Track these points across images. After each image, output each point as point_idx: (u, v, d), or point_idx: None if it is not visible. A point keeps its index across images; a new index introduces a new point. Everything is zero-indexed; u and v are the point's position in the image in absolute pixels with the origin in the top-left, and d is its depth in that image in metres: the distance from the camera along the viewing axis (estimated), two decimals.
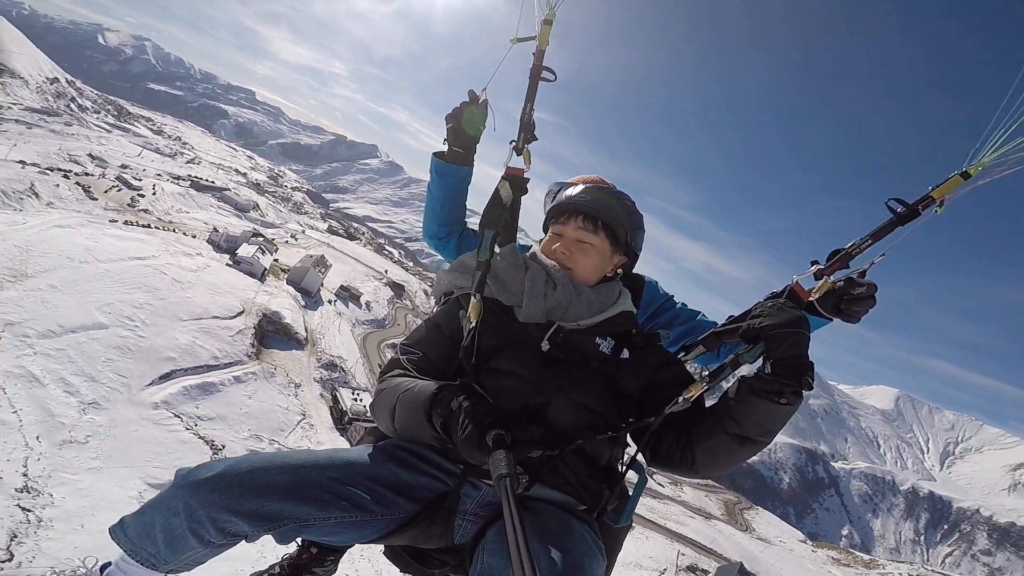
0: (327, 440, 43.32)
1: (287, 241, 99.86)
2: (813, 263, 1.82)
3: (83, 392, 29.80)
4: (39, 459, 23.56)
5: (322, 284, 74.26)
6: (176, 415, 33.39)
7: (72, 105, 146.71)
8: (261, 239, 75.17)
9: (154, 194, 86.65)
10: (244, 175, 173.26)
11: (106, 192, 77.25)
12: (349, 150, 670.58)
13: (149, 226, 67.37)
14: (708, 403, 1.72)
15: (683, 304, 2.56)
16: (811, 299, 1.79)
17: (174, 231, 69.47)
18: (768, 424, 1.53)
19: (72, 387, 29.53)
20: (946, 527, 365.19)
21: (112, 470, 25.81)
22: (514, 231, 2.12)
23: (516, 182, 2.02)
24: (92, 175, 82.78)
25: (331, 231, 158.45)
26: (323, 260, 78.29)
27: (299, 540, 1.90)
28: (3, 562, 17.67)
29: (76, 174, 79.28)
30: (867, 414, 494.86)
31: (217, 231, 74.72)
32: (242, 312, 50.08)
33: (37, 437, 24.72)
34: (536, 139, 2.08)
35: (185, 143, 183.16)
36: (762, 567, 74.29)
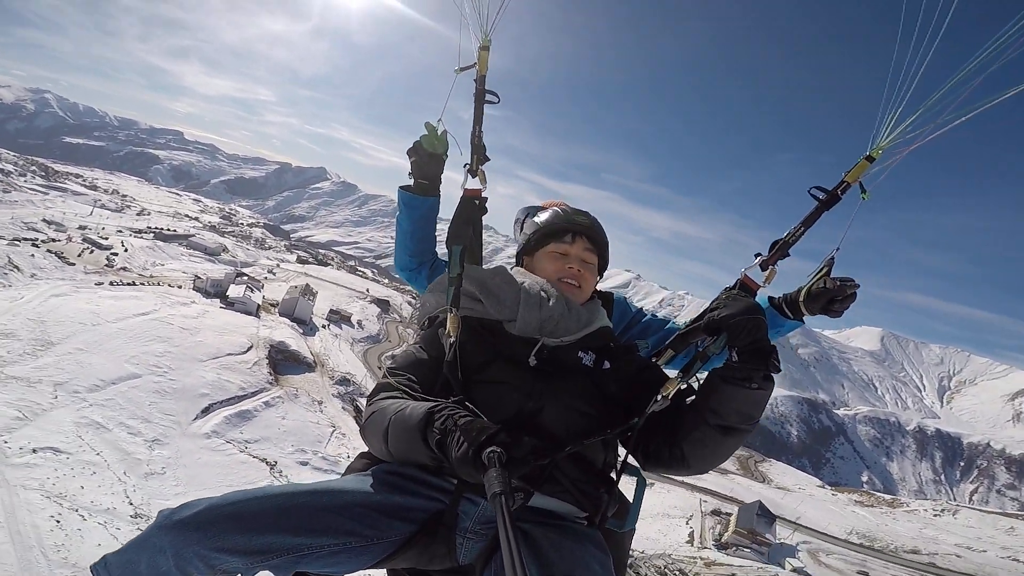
0: (361, 445, 47.14)
1: (266, 277, 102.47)
2: (757, 255, 1.93)
3: (144, 432, 32.84)
4: (135, 490, 26.76)
5: (312, 311, 77.18)
6: (227, 441, 36.82)
7: None
8: (246, 278, 78.24)
9: (125, 251, 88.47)
10: (196, 219, 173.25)
11: (79, 256, 78.64)
12: (296, 176, 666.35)
13: (134, 283, 69.75)
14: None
15: (652, 314, 2.63)
16: (799, 300, 2.02)
17: (159, 284, 71.94)
18: (745, 410, 1.62)
19: (133, 429, 32.56)
20: (962, 464, 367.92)
21: (194, 493, 28.29)
22: (479, 249, 2.25)
23: (475, 202, 2.19)
24: (59, 241, 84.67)
25: (301, 261, 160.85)
26: (309, 289, 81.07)
27: None
28: None
29: (43, 241, 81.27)
30: (857, 357, 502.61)
31: (200, 277, 76.85)
32: (251, 347, 53.29)
33: (124, 472, 27.84)
34: (488, 159, 2.22)
35: (125, 195, 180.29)
36: (785, 511, 77.46)
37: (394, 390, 1.74)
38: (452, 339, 1.79)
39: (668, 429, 1.74)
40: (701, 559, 55.91)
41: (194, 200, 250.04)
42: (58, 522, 21.69)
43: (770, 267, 1.91)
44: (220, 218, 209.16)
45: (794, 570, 59.03)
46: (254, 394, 45.22)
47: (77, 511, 23.08)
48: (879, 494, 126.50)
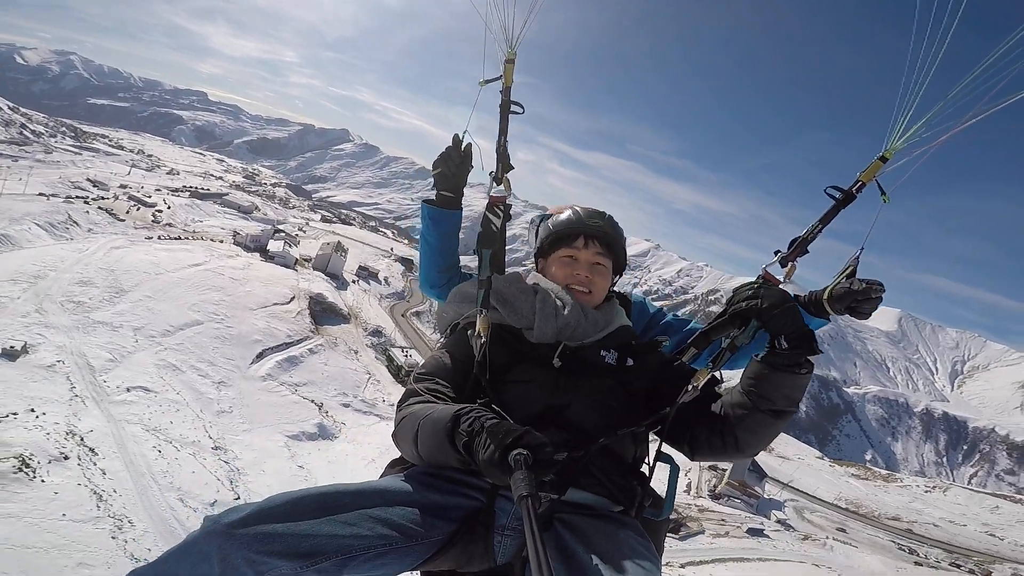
0: (394, 390, 51.04)
1: (296, 234, 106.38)
2: (776, 252, 1.95)
3: (211, 374, 36.67)
4: (211, 426, 30.51)
5: (344, 267, 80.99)
6: (280, 384, 40.69)
7: (25, 131, 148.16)
8: (283, 234, 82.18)
9: (168, 208, 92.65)
10: (221, 179, 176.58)
11: (127, 213, 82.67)
12: (319, 138, 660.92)
13: (179, 238, 73.85)
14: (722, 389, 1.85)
15: (673, 315, 2.61)
16: (823, 299, 1.92)
17: (202, 239, 75.96)
18: (793, 394, 1.66)
19: (202, 371, 36.38)
20: (965, 448, 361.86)
21: (257, 430, 33.02)
22: (502, 256, 2.21)
23: (500, 209, 2.17)
24: (107, 199, 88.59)
25: (325, 220, 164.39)
26: (340, 246, 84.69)
27: None
28: (235, 499, 24.77)
29: (93, 199, 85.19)
30: (872, 337, 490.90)
31: (239, 233, 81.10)
32: (293, 297, 57.00)
33: (200, 410, 31.58)
34: (513, 167, 2.22)
35: (150, 155, 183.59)
36: (780, 476, 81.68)
37: (423, 395, 1.75)
38: (483, 340, 1.81)
39: (714, 420, 1.77)
40: (696, 506, 60.34)
41: (218, 160, 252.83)
42: (160, 452, 25.41)
43: (789, 263, 1.93)
44: (244, 178, 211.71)
45: (778, 521, 63.19)
46: (299, 342, 48.96)
47: (171, 443, 26.78)
48: (876, 469, 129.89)
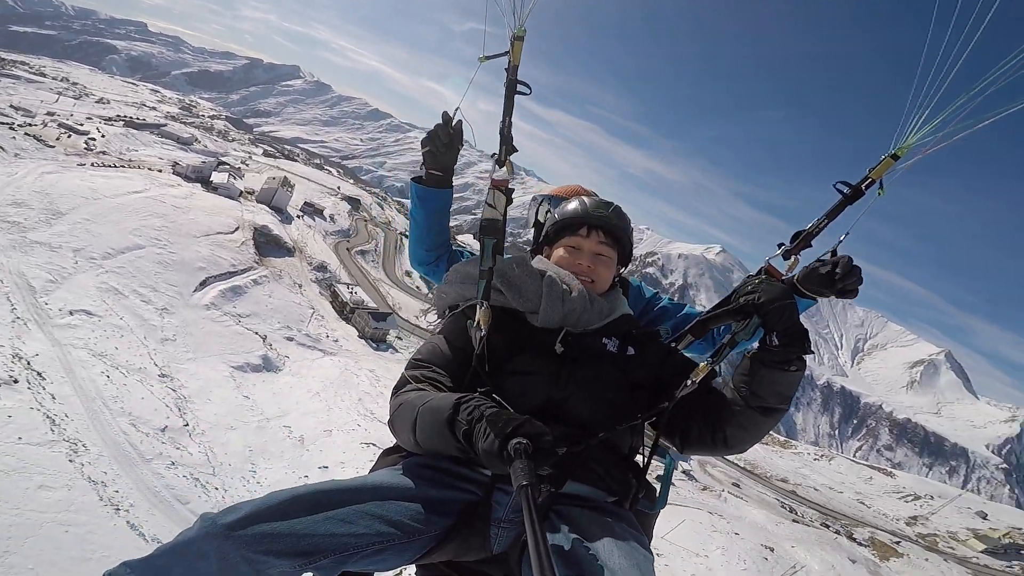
0: (338, 327, 51.75)
1: (238, 168, 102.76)
2: (780, 245, 1.94)
3: (154, 300, 35.93)
4: (156, 353, 30.15)
5: (289, 202, 79.03)
6: (224, 314, 40.22)
7: None
8: (227, 167, 79.28)
9: (103, 136, 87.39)
10: (155, 109, 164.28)
11: (58, 139, 77.79)
12: (267, 73, 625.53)
13: (115, 166, 70.44)
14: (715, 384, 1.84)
15: (669, 299, 2.62)
16: (790, 277, 1.93)
17: (139, 167, 72.57)
18: (784, 391, 1.65)
19: (145, 296, 35.60)
20: (855, 422, 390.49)
21: (202, 359, 32.81)
22: (503, 239, 2.12)
23: (503, 193, 2.07)
24: (34, 125, 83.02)
25: (267, 155, 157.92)
26: (287, 181, 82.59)
27: None
28: (184, 426, 25.02)
29: (19, 125, 79.70)
30: None
31: (179, 164, 77.30)
32: (238, 228, 55.78)
33: (144, 337, 31.08)
34: (516, 150, 2.11)
35: (75, 83, 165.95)
36: None
37: (421, 383, 1.73)
38: (483, 333, 1.78)
39: (707, 414, 1.76)
40: None
41: (152, 91, 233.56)
42: (108, 377, 25.21)
43: (792, 257, 1.92)
44: (180, 109, 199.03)
45: (683, 471, 67.70)
46: (243, 271, 48.27)
47: (118, 369, 26.50)
48: (776, 435, 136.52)
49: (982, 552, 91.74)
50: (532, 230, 2.74)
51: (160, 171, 72.92)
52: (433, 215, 2.42)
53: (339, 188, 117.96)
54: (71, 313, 28.99)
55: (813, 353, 1.70)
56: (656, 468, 1.93)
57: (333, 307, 56.59)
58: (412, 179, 2.37)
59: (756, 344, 1.73)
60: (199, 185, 68.70)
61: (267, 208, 72.04)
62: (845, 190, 1.88)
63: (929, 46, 1.59)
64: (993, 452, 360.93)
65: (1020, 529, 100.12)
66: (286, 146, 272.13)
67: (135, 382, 26.07)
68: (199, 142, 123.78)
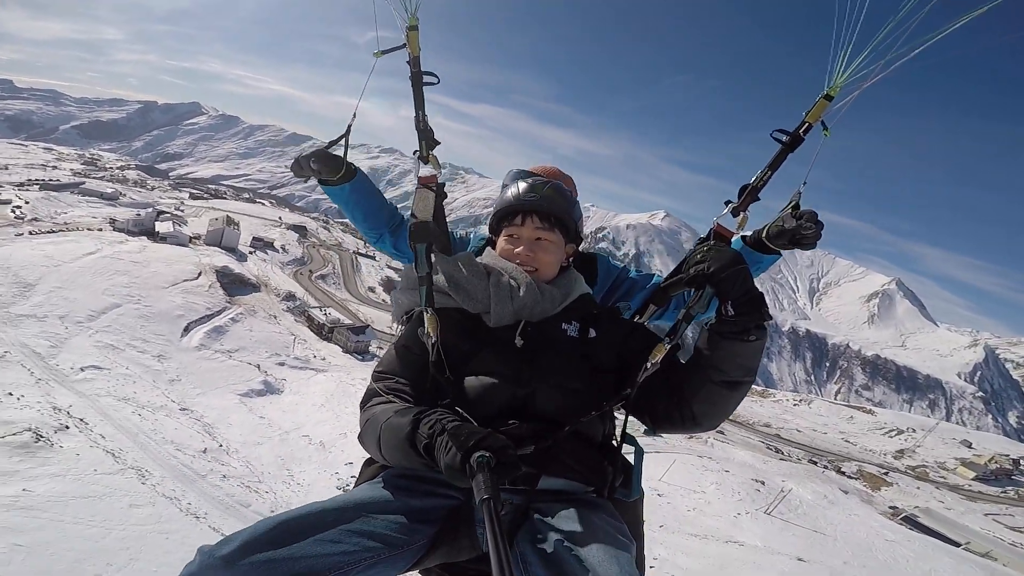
0: (321, 347, 54.31)
1: (180, 214, 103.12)
2: (727, 202, 1.89)
3: (148, 349, 37.63)
4: (169, 393, 32.23)
5: (239, 240, 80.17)
6: (215, 352, 42.37)
7: None
8: (168, 214, 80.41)
9: (27, 203, 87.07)
10: (56, 168, 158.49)
11: None
12: (165, 114, 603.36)
13: (53, 231, 70.81)
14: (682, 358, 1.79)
15: (637, 271, 2.56)
16: (762, 238, 1.97)
17: (78, 229, 73.04)
18: (747, 363, 1.61)
19: (140, 348, 37.28)
20: (828, 364, 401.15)
21: (210, 392, 35.08)
22: (446, 237, 2.13)
23: (431, 189, 2.05)
24: None
25: (195, 197, 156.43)
26: (231, 219, 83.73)
27: None
28: (219, 447, 27.54)
29: None
30: None
31: (116, 220, 77.78)
32: (200, 273, 57.05)
33: (153, 381, 33.04)
34: (439, 143, 2.07)
35: None
36: None
37: (384, 395, 1.73)
38: (433, 339, 1.76)
39: (671, 392, 1.72)
40: None
41: (45, 148, 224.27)
42: (140, 416, 27.18)
43: (741, 213, 1.87)
44: (83, 164, 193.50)
45: None
46: (219, 312, 50.06)
47: (144, 408, 28.53)
48: (754, 387, 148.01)
49: (973, 480, 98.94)
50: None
51: (100, 230, 73.69)
52: (353, 205, 2.38)
53: (280, 218, 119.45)
54: (82, 370, 30.61)
55: (771, 319, 1.63)
56: (628, 455, 1.86)
57: (311, 330, 59.12)
58: (319, 181, 2.31)
59: (713, 315, 1.65)
60: (144, 237, 69.69)
61: (219, 249, 73.34)
62: (783, 139, 1.86)
63: None
64: (966, 380, 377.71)
65: (1006, 455, 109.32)
66: (209, 185, 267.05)
67: (163, 416, 28.12)
68: (124, 195, 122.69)
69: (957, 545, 49.39)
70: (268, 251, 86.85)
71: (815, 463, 78.03)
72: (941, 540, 48.14)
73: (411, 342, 1.87)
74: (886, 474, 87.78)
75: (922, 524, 57.41)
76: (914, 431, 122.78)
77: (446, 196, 2.19)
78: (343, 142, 2.26)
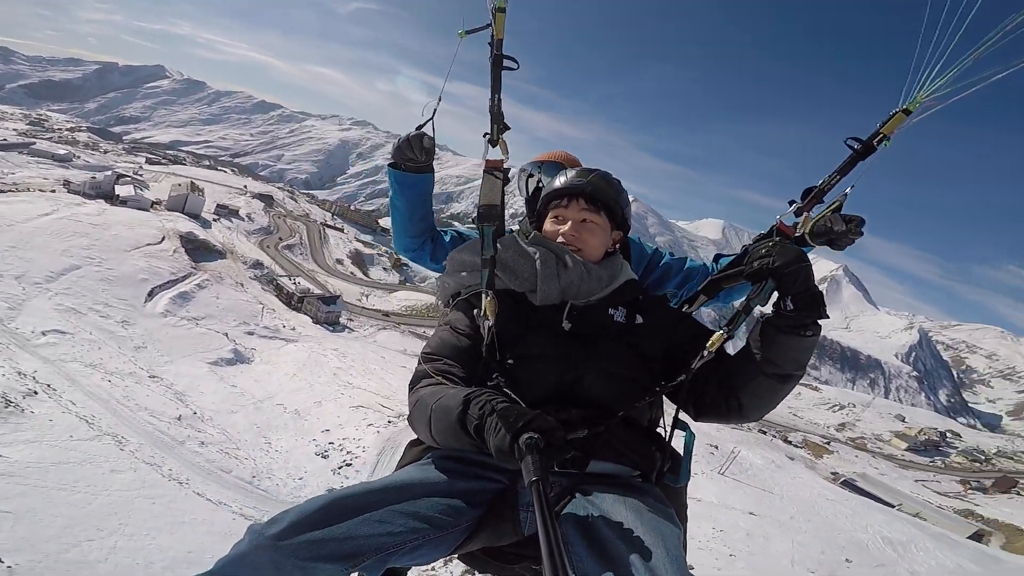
0: (291, 316, 53.21)
1: (141, 177, 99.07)
2: (791, 202, 1.94)
3: (112, 314, 35.98)
4: (135, 360, 30.98)
5: (203, 206, 77.67)
6: (181, 319, 40.85)
7: None
8: (128, 178, 76.88)
9: None
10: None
11: None
12: (126, 76, 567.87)
13: (1, 191, 66.98)
14: (729, 349, 1.78)
15: (670, 254, 2.56)
16: (801, 234, 1.92)
17: (28, 190, 69.21)
18: (800, 358, 1.61)
19: (102, 312, 35.62)
20: None
21: (178, 360, 33.85)
22: (502, 222, 2.07)
23: (498, 174, 2.07)
24: None
25: (151, 163, 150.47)
26: (195, 185, 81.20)
27: None
28: (194, 414, 26.75)
29: None
30: (703, 245, 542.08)
31: (71, 182, 74.10)
32: (164, 237, 55.05)
33: (118, 347, 31.60)
34: (508, 128, 2.09)
35: None
36: None
37: (434, 377, 1.72)
38: (490, 323, 1.75)
39: (721, 381, 1.71)
40: None
41: None
42: (110, 382, 26.21)
43: (804, 214, 1.90)
44: (28, 124, 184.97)
45: None
46: (184, 278, 48.36)
47: (113, 374, 27.46)
48: None
49: (906, 450, 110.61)
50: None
51: (53, 191, 70.03)
52: (414, 201, 2.33)
53: (246, 187, 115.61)
54: (44, 334, 29.09)
55: (829, 317, 1.63)
56: (677, 442, 1.85)
57: (280, 299, 57.81)
58: (388, 165, 2.27)
59: (771, 309, 1.67)
60: (102, 201, 66.61)
61: (182, 215, 70.68)
62: (856, 146, 1.88)
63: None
64: (902, 361, 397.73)
65: (935, 428, 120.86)
66: (168, 151, 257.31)
67: (133, 383, 27.11)
68: (78, 158, 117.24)
69: (891, 506, 54.20)
70: (233, 219, 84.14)
71: (764, 432, 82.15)
72: (877, 502, 52.46)
73: (461, 324, 1.87)
74: (828, 444, 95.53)
75: (860, 487, 62.89)
76: (854, 406, 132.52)
77: (509, 182, 2.18)
78: (429, 127, 2.16)
